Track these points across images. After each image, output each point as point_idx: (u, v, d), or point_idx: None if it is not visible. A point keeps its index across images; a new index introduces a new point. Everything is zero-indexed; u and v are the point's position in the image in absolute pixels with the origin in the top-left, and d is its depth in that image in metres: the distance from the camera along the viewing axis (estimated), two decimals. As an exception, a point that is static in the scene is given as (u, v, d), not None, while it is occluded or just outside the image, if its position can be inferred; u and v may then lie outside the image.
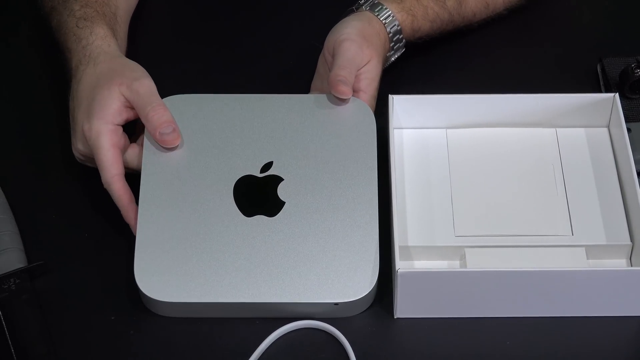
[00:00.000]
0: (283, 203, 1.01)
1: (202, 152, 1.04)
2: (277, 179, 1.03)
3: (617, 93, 1.09)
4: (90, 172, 1.06)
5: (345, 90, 1.05)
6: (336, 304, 0.97)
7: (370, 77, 1.08)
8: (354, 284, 0.98)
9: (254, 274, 0.98)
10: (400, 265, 0.96)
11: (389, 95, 1.08)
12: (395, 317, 1.00)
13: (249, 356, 0.97)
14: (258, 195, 1.02)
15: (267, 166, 1.03)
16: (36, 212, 1.08)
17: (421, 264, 1.03)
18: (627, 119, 1.09)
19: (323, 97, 1.08)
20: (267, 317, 0.99)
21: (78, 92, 1.05)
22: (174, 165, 1.03)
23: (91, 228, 1.06)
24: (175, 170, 1.03)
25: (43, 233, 1.07)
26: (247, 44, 1.24)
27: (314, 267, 0.98)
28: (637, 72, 1.12)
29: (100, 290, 1.02)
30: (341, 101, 1.06)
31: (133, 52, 1.17)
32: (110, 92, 1.03)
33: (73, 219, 1.08)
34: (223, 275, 0.97)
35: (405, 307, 0.99)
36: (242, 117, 1.06)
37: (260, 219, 1.00)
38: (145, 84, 1.04)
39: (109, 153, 1.02)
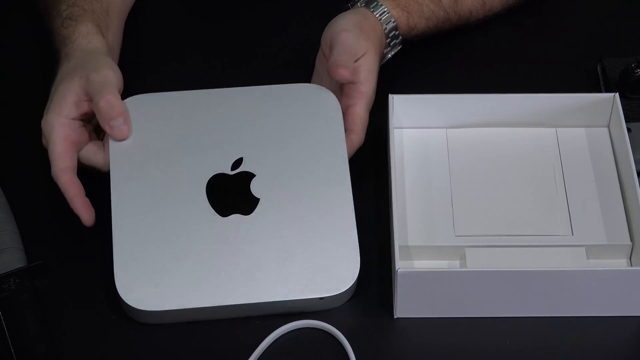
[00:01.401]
0: (257, 200, 1.01)
1: (170, 152, 1.03)
2: (249, 176, 1.02)
3: (617, 93, 1.09)
4: (90, 173, 1.06)
5: (345, 74, 1.05)
6: (321, 298, 0.97)
7: (368, 69, 1.08)
8: (337, 276, 0.97)
9: (235, 275, 0.97)
10: (400, 265, 0.96)
11: (389, 95, 1.08)
12: (395, 317, 1.00)
13: (249, 356, 0.97)
14: (232, 194, 1.01)
15: (238, 163, 1.03)
16: (36, 212, 1.08)
17: (421, 264, 1.03)
18: (627, 119, 1.09)
19: (285, 87, 1.07)
20: (256, 315, 0.98)
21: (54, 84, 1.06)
22: (143, 169, 1.02)
23: (91, 228, 1.06)
24: (145, 174, 1.02)
25: (43, 233, 1.07)
26: (246, 42, 1.24)
27: (295, 263, 0.98)
28: (638, 72, 1.12)
29: (100, 290, 1.02)
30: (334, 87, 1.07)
31: (131, 51, 1.18)
32: (70, 84, 1.03)
33: (73, 218, 1.07)
34: (206, 279, 0.97)
35: (405, 307, 0.99)
36: (206, 113, 1.05)
37: (236, 218, 1.00)
38: (102, 74, 1.03)
39: (58, 146, 1.02)
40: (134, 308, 0.97)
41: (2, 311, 0.99)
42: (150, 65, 1.20)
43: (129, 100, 1.05)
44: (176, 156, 1.03)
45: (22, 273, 1.01)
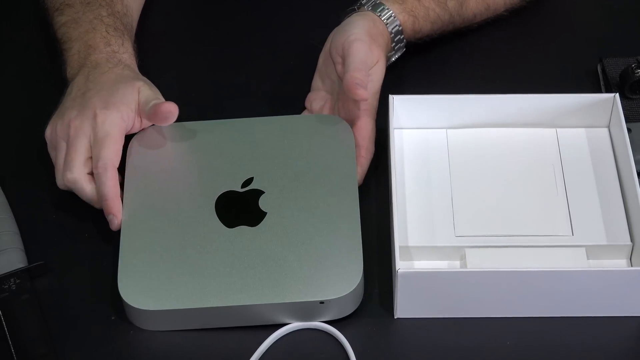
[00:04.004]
0: (265, 213, 1.01)
1: (183, 174, 1.06)
2: (258, 192, 1.03)
3: (618, 93, 1.09)
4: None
5: (362, 94, 1.04)
6: (321, 302, 0.97)
7: (375, 79, 1.08)
8: (339, 281, 0.97)
9: (235, 278, 0.97)
10: (401, 265, 0.96)
11: (389, 95, 1.08)
12: (395, 317, 1.00)
13: (250, 356, 0.97)
14: (240, 208, 1.02)
15: (248, 182, 1.04)
16: (36, 212, 1.08)
17: (421, 264, 1.03)
18: (627, 119, 1.09)
19: (300, 117, 1.09)
20: (256, 324, 0.98)
21: (99, 79, 1.07)
22: (156, 184, 1.04)
23: (91, 228, 1.06)
24: (157, 188, 1.04)
25: (43, 233, 1.07)
26: (248, 44, 1.24)
27: (297, 268, 0.98)
28: (638, 73, 1.12)
29: (100, 290, 1.02)
30: (355, 103, 1.07)
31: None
32: (132, 88, 1.05)
33: (73, 219, 1.08)
34: (206, 282, 0.97)
35: (405, 307, 0.99)
36: (221, 141, 1.07)
37: (242, 229, 1.01)
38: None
39: (118, 143, 1.03)
40: (134, 308, 0.97)
41: (3, 311, 0.99)
42: (154, 69, 1.20)
43: (142, 131, 1.08)
44: (189, 178, 1.05)
45: (22, 273, 1.02)
